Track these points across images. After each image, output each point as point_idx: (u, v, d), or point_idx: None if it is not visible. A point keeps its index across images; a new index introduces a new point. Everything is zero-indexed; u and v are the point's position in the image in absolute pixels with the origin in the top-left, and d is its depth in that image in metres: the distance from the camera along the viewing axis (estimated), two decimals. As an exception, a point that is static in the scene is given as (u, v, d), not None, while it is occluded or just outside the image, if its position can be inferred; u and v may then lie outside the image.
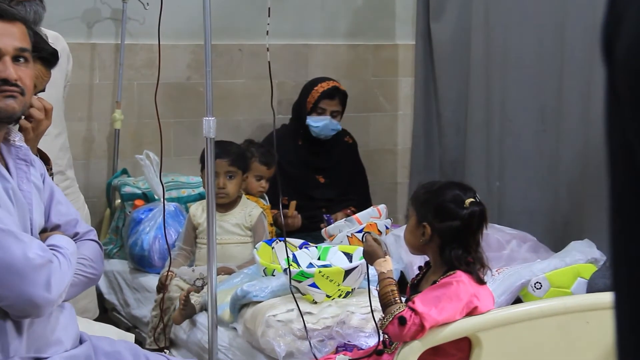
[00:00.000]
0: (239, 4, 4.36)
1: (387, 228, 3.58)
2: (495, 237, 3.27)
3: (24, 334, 1.92)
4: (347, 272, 2.75)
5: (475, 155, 4.04)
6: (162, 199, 3.17)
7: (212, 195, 2.73)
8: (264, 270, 2.99)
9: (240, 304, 2.86)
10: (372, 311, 2.38)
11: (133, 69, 4.20)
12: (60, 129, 3.28)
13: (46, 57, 2.26)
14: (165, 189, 3.86)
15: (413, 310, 2.12)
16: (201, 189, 3.90)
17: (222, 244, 3.41)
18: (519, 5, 3.79)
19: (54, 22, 3.50)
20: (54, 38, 3.06)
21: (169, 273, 3.21)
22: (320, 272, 2.73)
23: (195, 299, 3.11)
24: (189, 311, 3.08)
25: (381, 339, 2.34)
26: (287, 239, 3.26)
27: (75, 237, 2.13)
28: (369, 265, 2.37)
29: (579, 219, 3.46)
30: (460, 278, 2.18)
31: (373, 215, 3.63)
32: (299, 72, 4.52)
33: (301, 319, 2.60)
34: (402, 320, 2.11)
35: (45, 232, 2.06)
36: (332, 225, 3.68)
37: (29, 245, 1.84)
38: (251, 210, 3.49)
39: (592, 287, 2.83)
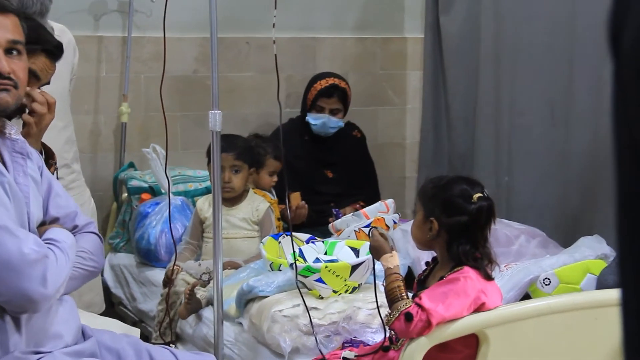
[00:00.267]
0: (247, -4, 4.35)
1: (394, 223, 3.56)
2: (503, 232, 3.24)
3: (22, 328, 1.90)
4: (354, 267, 2.73)
5: (484, 149, 4.01)
6: (168, 192, 3.15)
7: (218, 189, 2.71)
8: (270, 265, 2.97)
9: (246, 299, 2.84)
10: (378, 307, 2.35)
11: (140, 61, 4.18)
12: (66, 122, 3.27)
13: (51, 49, 2.25)
14: (172, 183, 3.85)
15: (420, 306, 2.09)
16: (208, 183, 3.88)
17: (229, 238, 3.39)
18: (529, -2, 3.77)
19: (60, 15, 3.49)
20: (60, 31, 3.04)
21: (175, 267, 3.20)
22: (326, 267, 2.71)
23: (201, 293, 3.10)
24: (194, 305, 3.07)
25: (387, 335, 2.32)
26: (294, 233, 3.25)
27: (74, 229, 2.11)
28: (375, 260, 2.34)
29: (589, 214, 3.43)
30: (468, 274, 2.15)
31: (381, 210, 3.61)
32: (306, 65, 4.50)
33: (307, 315, 2.57)
34: (408, 317, 2.08)
35: (44, 226, 2.04)
36: (340, 219, 3.66)
37: (24, 241, 1.82)
38: (258, 204, 3.47)
39: (602, 283, 2.80)
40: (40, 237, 1.96)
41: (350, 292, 2.77)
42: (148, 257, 3.68)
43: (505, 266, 2.96)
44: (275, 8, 2.57)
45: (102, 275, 3.91)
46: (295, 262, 2.65)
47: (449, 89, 4.32)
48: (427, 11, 4.47)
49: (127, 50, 4.12)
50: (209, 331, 2.96)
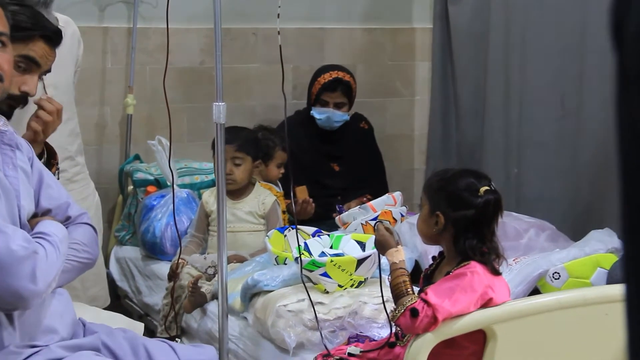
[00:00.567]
0: (254, -13, 4.30)
1: (402, 216, 3.52)
2: (512, 225, 3.20)
3: (15, 322, 1.88)
4: (360, 262, 2.69)
5: (493, 141, 3.96)
6: (172, 185, 3.13)
7: (223, 182, 2.68)
8: (275, 259, 2.94)
9: (251, 293, 2.81)
10: (383, 302, 2.31)
11: (145, 53, 4.15)
12: (70, 114, 3.23)
13: (49, 35, 2.21)
14: (177, 176, 3.83)
15: (425, 301, 2.06)
16: (214, 176, 3.85)
17: (235, 231, 3.36)
18: (539, -13, 3.72)
19: (64, 6, 3.46)
20: (64, 22, 3.01)
21: (181, 261, 3.17)
22: (332, 261, 2.68)
23: (206, 287, 3.07)
24: (198, 299, 3.04)
25: (393, 330, 2.28)
26: (300, 226, 3.21)
27: (67, 221, 2.08)
28: (380, 255, 2.30)
29: (599, 207, 3.39)
30: (475, 269, 2.11)
31: (388, 203, 3.56)
32: (314, 56, 4.45)
33: (312, 309, 2.54)
34: (414, 312, 2.05)
35: (35, 218, 2.01)
36: (346, 212, 3.62)
37: (12, 237, 1.79)
38: (264, 198, 3.43)
39: (613, 278, 2.76)
40: (32, 229, 1.93)
41: (356, 287, 2.73)
42: (153, 250, 3.66)
43: (514, 260, 2.92)
44: (281, -2, 2.53)
45: (107, 268, 3.89)
46: (300, 256, 2.61)
47: (458, 80, 4.28)
48: (435, 1, 4.44)
49: (133, 42, 4.08)
50: (213, 325, 2.93)
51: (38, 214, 2.03)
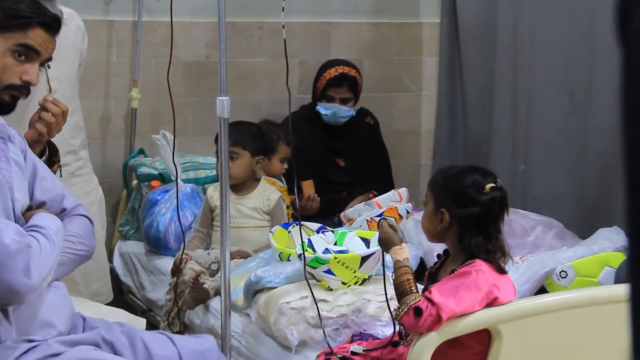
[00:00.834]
0: (260, -20, 4.27)
1: (407, 212, 3.48)
2: (519, 223, 3.17)
3: (10, 317, 1.85)
4: (364, 259, 2.66)
5: (500, 137, 3.93)
6: (176, 179, 3.10)
7: (226, 177, 2.65)
8: (279, 255, 2.91)
9: (254, 290, 2.78)
10: (387, 299, 2.28)
11: (151, 46, 4.11)
12: (74, 107, 3.20)
13: (47, 22, 2.18)
14: (182, 170, 3.80)
15: (429, 300, 2.03)
16: (216, 171, 3.82)
17: (239, 227, 3.34)
18: (548, -19, 3.68)
19: (69, -2, 3.43)
20: (69, 15, 2.98)
21: (184, 256, 3.15)
22: (335, 258, 2.64)
23: (209, 283, 3.04)
24: (201, 295, 3.02)
25: (397, 329, 2.25)
26: (304, 223, 3.18)
27: (62, 213, 2.06)
28: (384, 253, 2.27)
29: (608, 205, 3.35)
30: (480, 267, 2.08)
31: (393, 199, 3.53)
32: (320, 50, 4.42)
33: (315, 307, 2.51)
34: (417, 311, 2.02)
35: (30, 211, 1.98)
36: (351, 209, 3.59)
37: (5, 231, 1.77)
38: (269, 194, 3.40)
39: (621, 277, 2.72)
40: (26, 222, 1.90)
41: (360, 284, 2.70)
42: (157, 245, 3.63)
43: (520, 258, 2.89)
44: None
45: (111, 263, 3.87)
46: (304, 253, 2.59)
47: (465, 75, 4.25)
48: (443, -5, 4.40)
49: (138, 35, 4.05)
50: (216, 322, 2.90)
51: (32, 207, 2.01)
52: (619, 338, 2.12)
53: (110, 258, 3.90)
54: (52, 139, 2.41)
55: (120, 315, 2.61)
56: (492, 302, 2.08)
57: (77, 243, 2.05)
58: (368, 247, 2.83)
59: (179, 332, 3.13)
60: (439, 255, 2.30)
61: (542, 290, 2.83)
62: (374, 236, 2.84)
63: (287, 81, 2.59)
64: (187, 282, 3.07)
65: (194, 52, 4.19)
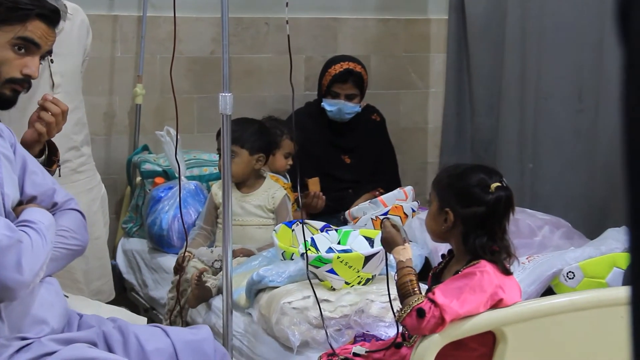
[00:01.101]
0: (267, -25, 4.23)
1: (413, 211, 3.44)
2: (526, 222, 3.12)
3: (2, 313, 1.83)
4: (367, 258, 2.61)
5: (508, 135, 3.89)
6: (179, 177, 3.08)
7: (228, 174, 2.62)
8: (282, 254, 2.87)
9: (257, 289, 2.74)
10: (390, 300, 2.24)
11: (156, 42, 4.08)
12: (77, 103, 3.17)
13: (46, 14, 2.14)
14: (186, 167, 3.77)
15: (433, 301, 1.99)
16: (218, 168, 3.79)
17: (244, 225, 3.30)
18: (557, -23, 3.64)
19: (73, -7, 3.40)
20: (73, 10, 2.95)
21: (187, 254, 3.12)
22: (338, 257, 2.60)
23: (211, 281, 3.01)
24: (203, 294, 2.98)
25: (400, 331, 2.21)
26: (308, 221, 3.15)
27: (53, 207, 2.03)
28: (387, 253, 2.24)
29: (617, 205, 3.31)
30: (485, 268, 2.04)
31: (399, 198, 3.49)
32: (327, 46, 4.38)
33: (318, 307, 2.47)
34: (420, 313, 1.98)
35: (20, 206, 1.96)
36: (356, 207, 3.55)
37: None
38: (275, 192, 3.36)
39: (629, 278, 2.67)
40: (17, 217, 1.87)
41: (363, 284, 2.66)
42: (160, 242, 3.60)
43: (527, 258, 2.85)
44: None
45: (114, 260, 3.85)
46: (306, 252, 2.55)
47: (473, 72, 4.21)
48: (451, -9, 4.36)
49: (142, 30, 4.02)
50: (218, 321, 2.87)
51: (23, 202, 1.98)
52: (626, 340, 2.08)
53: (113, 255, 3.88)
54: (52, 140, 2.39)
55: (121, 313, 2.58)
56: (496, 304, 2.04)
57: (69, 238, 2.02)
58: (372, 246, 2.79)
59: (181, 331, 3.10)
60: (443, 256, 2.26)
61: (549, 291, 2.78)
62: (378, 235, 2.79)
63: (290, 77, 2.56)
64: (190, 280, 3.04)
65: (199, 48, 4.16)
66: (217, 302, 2.94)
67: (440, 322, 1.98)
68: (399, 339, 2.22)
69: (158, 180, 3.80)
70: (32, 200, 2.00)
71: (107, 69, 4.04)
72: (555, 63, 3.66)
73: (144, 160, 3.87)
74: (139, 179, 3.92)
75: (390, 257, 2.27)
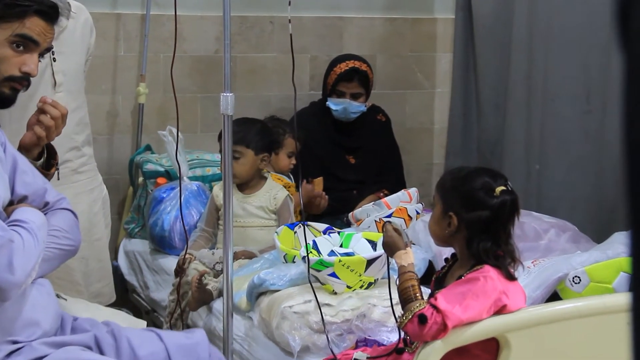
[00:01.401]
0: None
1: (417, 213, 3.40)
2: (532, 225, 3.08)
3: None
4: (370, 262, 2.57)
5: (514, 136, 3.84)
6: (179, 178, 3.04)
7: (229, 175, 2.58)
8: (284, 257, 2.83)
9: (258, 292, 2.71)
10: (392, 304, 2.20)
11: (159, 40, 4.05)
12: (79, 102, 3.14)
13: (44, 10, 2.11)
14: (189, 167, 3.74)
15: (435, 307, 1.95)
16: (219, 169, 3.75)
17: (245, 226, 3.27)
18: (565, -24, 3.59)
19: (76, -9, 3.36)
20: (77, 8, 2.92)
21: (188, 256, 3.08)
22: (340, 261, 2.56)
23: (212, 284, 2.97)
24: (203, 296, 2.95)
25: (402, 336, 2.17)
26: (311, 223, 3.11)
27: (45, 207, 2.00)
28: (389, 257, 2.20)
29: (625, 208, 3.24)
30: (489, 273, 2.01)
31: (403, 199, 3.45)
32: (332, 46, 4.34)
33: (319, 311, 2.43)
34: (422, 319, 1.94)
35: (11, 206, 1.93)
36: (360, 209, 3.51)
37: None
38: (276, 193, 3.33)
39: (636, 283, 2.62)
40: (7, 218, 1.84)
41: (365, 288, 2.62)
42: (162, 244, 3.56)
43: (532, 262, 2.80)
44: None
45: (116, 261, 3.81)
46: (307, 255, 2.51)
47: (480, 72, 4.16)
48: (458, -9, 4.31)
49: (146, 29, 3.99)
50: (218, 324, 2.84)
51: (14, 202, 1.95)
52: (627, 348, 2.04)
53: (115, 256, 3.84)
54: (51, 143, 2.36)
55: (120, 316, 2.55)
56: (500, 310, 2.01)
57: (61, 238, 2.00)
58: (375, 249, 2.75)
59: (182, 334, 3.07)
60: (446, 259, 2.23)
61: (554, 296, 2.74)
62: (380, 238, 2.75)
63: (292, 76, 2.53)
64: (191, 283, 3.00)
65: (203, 47, 4.13)
66: (218, 305, 2.91)
67: (443, 329, 1.95)
68: (401, 345, 2.18)
69: (160, 180, 3.76)
70: (23, 199, 1.98)
71: (109, 67, 4.00)
72: (562, 63, 3.62)
73: (147, 160, 3.84)
74: (141, 179, 3.88)
75: (393, 260, 2.23)
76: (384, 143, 4.10)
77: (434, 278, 2.21)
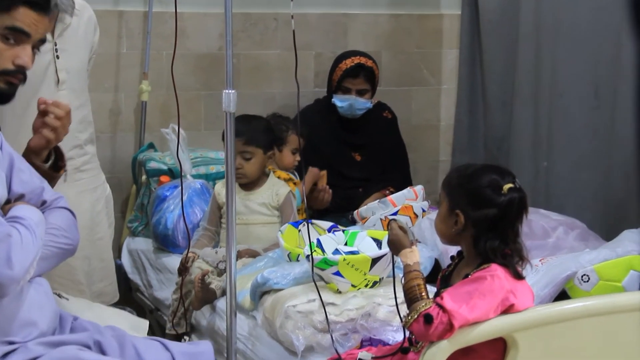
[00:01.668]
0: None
1: (423, 211, 3.37)
2: (540, 223, 3.05)
3: None
4: (375, 260, 2.54)
5: (521, 132, 3.82)
6: (181, 176, 3.02)
7: (232, 173, 2.55)
8: (288, 255, 2.80)
9: (261, 291, 2.68)
10: (397, 303, 2.16)
11: (162, 38, 4.02)
12: (82, 100, 3.12)
13: (34, 0, 2.07)
14: (192, 165, 3.71)
15: (441, 307, 1.92)
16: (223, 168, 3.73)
17: (248, 224, 3.25)
18: (572, -29, 3.56)
19: (78, -12, 3.34)
20: (80, 6, 2.89)
21: (191, 254, 3.06)
22: (344, 259, 2.53)
23: (216, 283, 2.95)
24: (207, 295, 2.92)
25: (407, 335, 2.14)
26: (316, 221, 3.08)
27: (42, 205, 1.98)
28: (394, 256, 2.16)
29: (634, 205, 3.22)
30: (496, 272, 1.98)
31: (409, 197, 3.42)
32: (337, 42, 4.32)
33: (323, 311, 2.40)
34: (428, 318, 1.91)
35: (8, 204, 1.91)
36: (365, 207, 3.48)
37: None
38: (279, 189, 3.31)
39: (647, 281, 2.60)
40: (5, 216, 1.82)
41: (370, 287, 2.59)
42: (165, 242, 3.54)
43: (540, 260, 2.77)
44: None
45: (120, 260, 3.80)
46: (311, 254, 2.48)
47: (486, 69, 4.14)
48: (464, -15, 4.29)
49: (149, 26, 3.97)
50: (221, 323, 2.81)
51: (11, 200, 1.93)
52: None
53: (118, 255, 3.82)
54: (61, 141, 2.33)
55: (123, 317, 2.53)
56: (507, 309, 1.98)
57: (59, 236, 1.98)
58: (380, 247, 2.71)
59: (185, 334, 3.05)
60: (452, 258, 2.19)
61: (563, 294, 2.71)
62: (385, 236, 2.72)
63: (295, 73, 2.50)
64: (194, 282, 2.98)
65: (206, 44, 4.11)
66: (222, 304, 2.88)
67: (449, 328, 1.92)
68: (406, 344, 2.15)
69: (163, 178, 3.74)
70: (20, 198, 1.96)
71: (112, 65, 3.98)
72: (570, 59, 3.59)
73: (150, 158, 3.82)
74: (144, 177, 3.86)
75: (398, 259, 2.20)
76: (390, 141, 4.07)
77: (440, 276, 2.18)
